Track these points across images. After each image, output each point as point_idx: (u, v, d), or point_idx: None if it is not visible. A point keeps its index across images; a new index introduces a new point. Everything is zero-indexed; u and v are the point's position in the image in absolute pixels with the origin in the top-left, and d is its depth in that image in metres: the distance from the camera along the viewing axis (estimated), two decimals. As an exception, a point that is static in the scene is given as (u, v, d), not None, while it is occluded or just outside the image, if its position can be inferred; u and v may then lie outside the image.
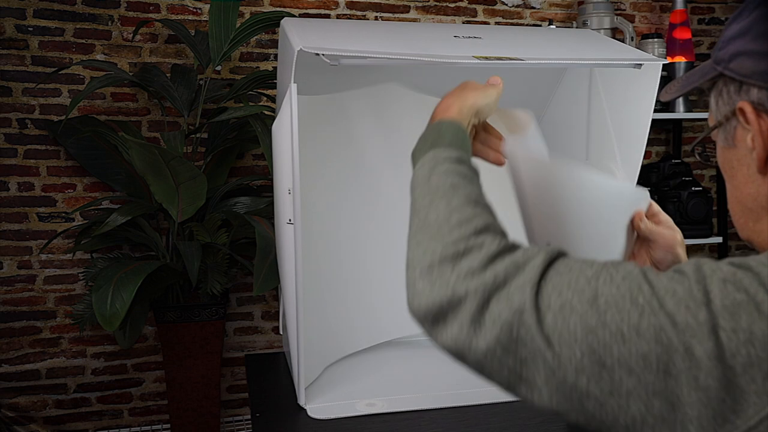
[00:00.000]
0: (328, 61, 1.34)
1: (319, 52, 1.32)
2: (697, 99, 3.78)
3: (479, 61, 1.39)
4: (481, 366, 0.73)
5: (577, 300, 0.67)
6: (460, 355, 0.74)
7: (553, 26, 3.46)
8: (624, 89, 1.80)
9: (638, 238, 1.04)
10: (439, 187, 0.83)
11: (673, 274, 0.67)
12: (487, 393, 1.58)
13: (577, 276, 0.69)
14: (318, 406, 1.48)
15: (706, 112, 3.23)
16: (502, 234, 0.80)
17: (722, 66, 0.76)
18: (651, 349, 0.63)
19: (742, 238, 0.82)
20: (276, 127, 1.46)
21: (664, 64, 3.38)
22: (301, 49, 1.31)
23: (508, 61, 1.42)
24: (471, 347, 0.72)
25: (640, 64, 1.60)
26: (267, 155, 2.45)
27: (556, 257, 0.73)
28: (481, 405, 1.54)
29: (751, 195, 0.77)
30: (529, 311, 0.68)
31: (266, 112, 2.71)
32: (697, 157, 1.03)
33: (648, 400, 0.63)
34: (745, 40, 0.74)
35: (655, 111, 3.34)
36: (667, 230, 1.01)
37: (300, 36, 1.40)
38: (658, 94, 1.62)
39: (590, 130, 1.89)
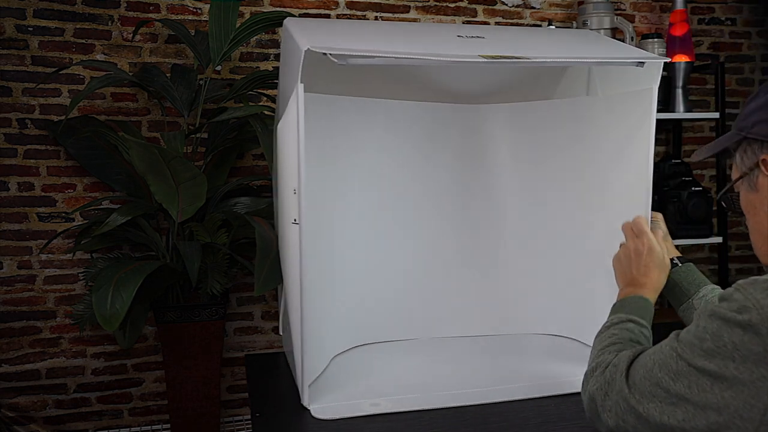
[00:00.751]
0: (336, 60, 1.34)
1: (326, 52, 1.31)
2: (697, 99, 3.79)
3: (486, 60, 1.38)
4: None
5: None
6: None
7: (553, 26, 3.46)
8: (623, 89, 1.80)
9: None
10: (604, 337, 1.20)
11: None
12: (488, 393, 1.58)
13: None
14: (322, 406, 1.48)
15: (705, 112, 3.23)
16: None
17: (746, 131, 1.02)
18: None
19: (764, 264, 1.08)
20: (281, 126, 1.46)
21: (664, 64, 3.39)
22: (308, 48, 1.30)
23: (514, 60, 1.42)
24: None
25: (642, 63, 1.60)
26: (267, 155, 2.45)
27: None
28: (481, 405, 1.54)
29: None
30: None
31: (266, 112, 2.71)
32: (724, 204, 1.14)
33: None
34: (763, 113, 1.00)
35: (656, 111, 3.36)
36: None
37: (305, 36, 1.39)
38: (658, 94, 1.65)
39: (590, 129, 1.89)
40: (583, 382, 1.13)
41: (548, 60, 1.50)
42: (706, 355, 0.88)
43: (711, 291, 1.43)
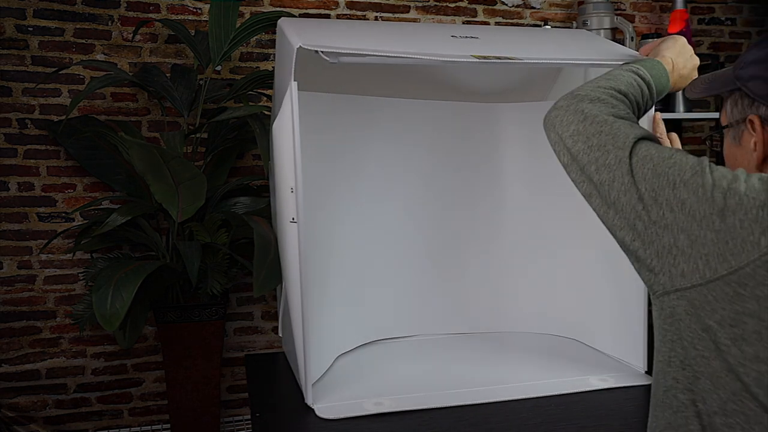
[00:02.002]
0: (327, 58, 1.34)
1: (318, 50, 1.32)
2: (697, 99, 3.78)
3: (478, 60, 1.39)
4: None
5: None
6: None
7: (548, 26, 3.46)
8: None
9: None
10: (615, 75, 1.18)
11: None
12: (488, 393, 1.58)
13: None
14: (326, 405, 1.48)
15: (705, 112, 3.23)
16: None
17: (741, 82, 0.99)
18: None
19: None
20: (276, 126, 1.46)
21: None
22: (300, 46, 1.31)
23: (505, 61, 1.42)
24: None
25: None
26: (263, 156, 2.45)
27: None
28: (481, 405, 1.54)
29: None
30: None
31: (265, 112, 2.71)
32: (707, 144, 1.17)
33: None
34: (761, 68, 0.96)
35: (656, 111, 3.35)
36: None
37: (298, 34, 1.39)
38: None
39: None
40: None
41: (540, 61, 1.50)
42: (654, 176, 0.91)
43: None
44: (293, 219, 1.41)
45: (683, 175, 0.91)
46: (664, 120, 3.54)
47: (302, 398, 1.52)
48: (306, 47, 1.31)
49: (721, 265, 0.83)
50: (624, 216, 0.94)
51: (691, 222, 0.86)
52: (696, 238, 0.85)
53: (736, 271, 0.82)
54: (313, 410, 1.47)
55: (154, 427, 3.16)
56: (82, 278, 3.02)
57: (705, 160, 0.94)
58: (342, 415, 1.44)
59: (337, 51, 1.35)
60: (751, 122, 0.97)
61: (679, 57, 1.32)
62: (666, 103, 3.41)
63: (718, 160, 1.15)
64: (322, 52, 1.32)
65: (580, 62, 1.61)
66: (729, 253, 0.82)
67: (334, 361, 1.76)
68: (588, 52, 1.69)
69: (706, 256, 0.84)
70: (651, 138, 1.00)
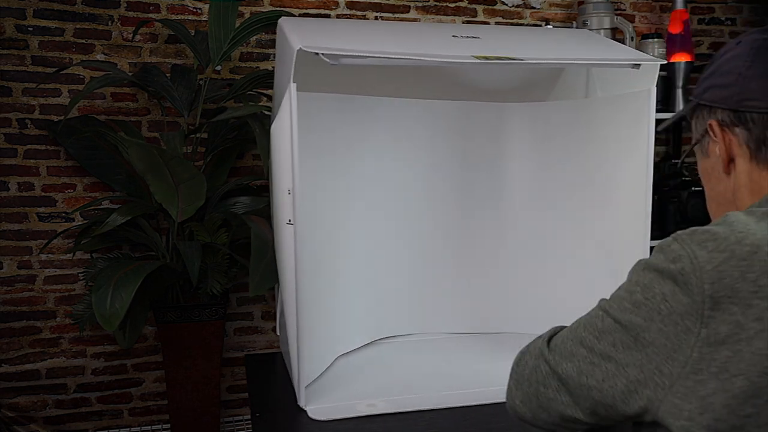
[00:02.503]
0: (328, 60, 1.34)
1: (318, 52, 1.32)
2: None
3: (479, 61, 1.39)
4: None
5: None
6: None
7: (550, 26, 3.46)
8: (622, 89, 1.80)
9: None
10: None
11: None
12: (487, 393, 1.58)
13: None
14: (318, 407, 1.48)
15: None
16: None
17: (698, 98, 1.03)
18: None
19: None
20: (275, 127, 1.46)
21: (664, 64, 3.39)
22: (300, 48, 1.31)
23: (507, 61, 1.42)
24: None
25: (638, 65, 1.60)
26: (263, 156, 2.45)
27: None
28: (481, 405, 1.54)
29: (721, 192, 1.03)
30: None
31: (265, 112, 2.71)
32: (686, 173, 1.15)
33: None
34: (712, 78, 1.01)
35: (656, 111, 3.35)
36: None
37: (299, 35, 1.39)
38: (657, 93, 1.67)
39: (589, 129, 1.90)
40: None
41: (541, 61, 1.50)
42: (633, 308, 0.87)
43: None
44: (290, 221, 1.41)
45: None
46: (664, 120, 3.55)
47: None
48: (307, 49, 1.31)
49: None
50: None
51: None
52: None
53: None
54: (306, 411, 1.47)
55: (154, 427, 3.16)
56: (82, 278, 3.02)
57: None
58: (334, 417, 1.44)
59: (338, 53, 1.35)
60: (711, 127, 1.00)
61: None
62: (666, 103, 3.42)
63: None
64: (323, 54, 1.32)
65: (583, 62, 1.61)
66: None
67: (331, 364, 1.76)
68: (590, 51, 1.69)
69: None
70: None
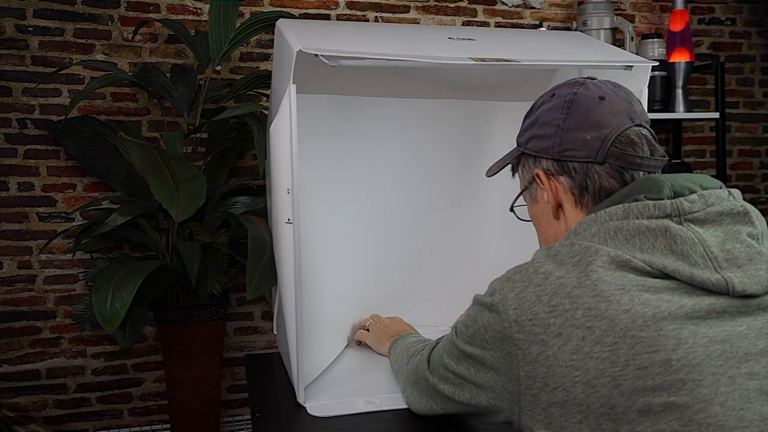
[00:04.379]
0: (327, 61, 1.35)
1: (317, 53, 1.32)
2: (697, 99, 3.79)
3: (476, 62, 1.40)
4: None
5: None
6: None
7: (544, 28, 3.46)
8: None
9: None
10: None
11: None
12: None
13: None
14: (317, 403, 1.48)
15: (705, 112, 3.24)
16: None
17: (522, 147, 1.12)
18: None
19: None
20: (274, 127, 1.47)
21: (664, 64, 3.39)
22: (300, 50, 1.31)
23: (503, 63, 1.43)
24: None
25: (630, 66, 1.61)
26: (260, 156, 2.45)
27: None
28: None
29: (552, 235, 1.12)
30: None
31: (264, 112, 2.71)
32: (516, 215, 1.17)
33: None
34: (533, 129, 1.09)
35: (656, 111, 3.36)
36: None
37: (298, 37, 1.40)
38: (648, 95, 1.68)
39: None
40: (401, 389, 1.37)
41: (535, 62, 1.51)
42: (470, 339, 1.00)
43: None
44: (289, 220, 1.42)
45: None
46: (664, 120, 3.56)
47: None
48: (306, 51, 1.32)
49: None
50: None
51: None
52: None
53: None
54: (305, 408, 1.47)
55: (154, 427, 3.17)
56: (82, 278, 3.03)
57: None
58: (333, 413, 1.45)
59: (337, 54, 1.36)
60: (538, 176, 1.08)
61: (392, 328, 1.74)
62: (666, 103, 3.42)
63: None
64: (322, 55, 1.33)
65: (575, 64, 1.63)
66: None
67: (328, 361, 1.76)
68: (582, 53, 1.70)
69: None
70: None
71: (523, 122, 1.15)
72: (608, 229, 0.94)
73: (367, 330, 1.79)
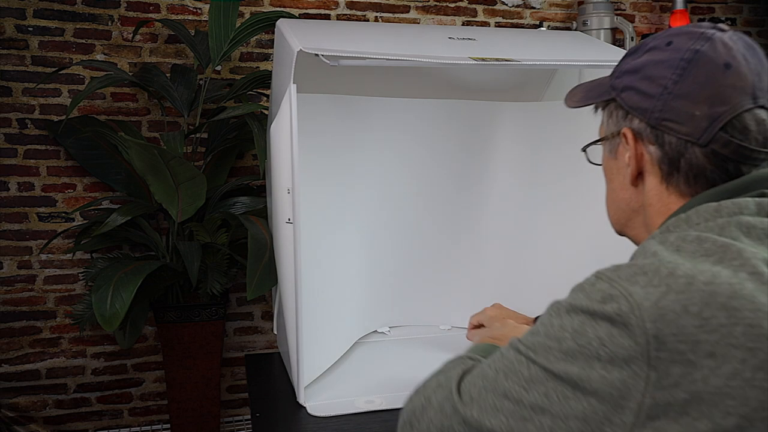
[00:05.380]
0: (328, 61, 1.35)
1: (318, 53, 1.33)
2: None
3: (476, 62, 1.40)
4: None
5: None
6: None
7: (544, 28, 3.46)
8: None
9: None
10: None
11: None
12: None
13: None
14: (317, 403, 1.49)
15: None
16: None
17: (615, 93, 0.94)
18: None
19: (616, 231, 1.03)
20: (274, 127, 1.47)
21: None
22: (301, 49, 1.31)
23: (503, 63, 1.44)
24: None
25: None
26: (260, 156, 2.45)
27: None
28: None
29: (624, 200, 0.97)
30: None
31: (264, 112, 2.71)
32: (587, 155, 1.07)
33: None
34: (635, 78, 0.91)
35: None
36: None
37: (298, 37, 1.40)
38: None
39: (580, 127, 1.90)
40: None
41: (535, 62, 1.51)
42: (566, 357, 0.77)
43: None
44: (289, 219, 1.42)
45: None
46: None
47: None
48: (307, 51, 1.32)
49: None
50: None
51: None
52: None
53: None
54: (305, 408, 1.48)
55: (154, 427, 3.17)
56: (82, 278, 3.03)
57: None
58: (333, 413, 1.45)
59: (338, 54, 1.36)
60: (625, 136, 0.92)
61: (498, 332, 1.44)
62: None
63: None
64: (322, 55, 1.33)
65: (575, 63, 1.63)
66: None
67: (329, 359, 1.76)
68: (582, 53, 1.71)
69: None
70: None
71: (624, 60, 0.96)
72: (740, 224, 0.80)
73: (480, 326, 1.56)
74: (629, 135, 0.91)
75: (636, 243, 0.97)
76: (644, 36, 3.43)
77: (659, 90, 0.87)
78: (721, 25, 0.90)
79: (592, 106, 1.03)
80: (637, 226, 0.97)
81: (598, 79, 1.02)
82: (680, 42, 0.88)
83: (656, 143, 0.88)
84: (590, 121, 1.85)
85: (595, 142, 1.02)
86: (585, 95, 1.04)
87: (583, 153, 1.07)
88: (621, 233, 1.02)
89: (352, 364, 1.76)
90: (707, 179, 0.87)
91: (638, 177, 0.93)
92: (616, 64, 1.00)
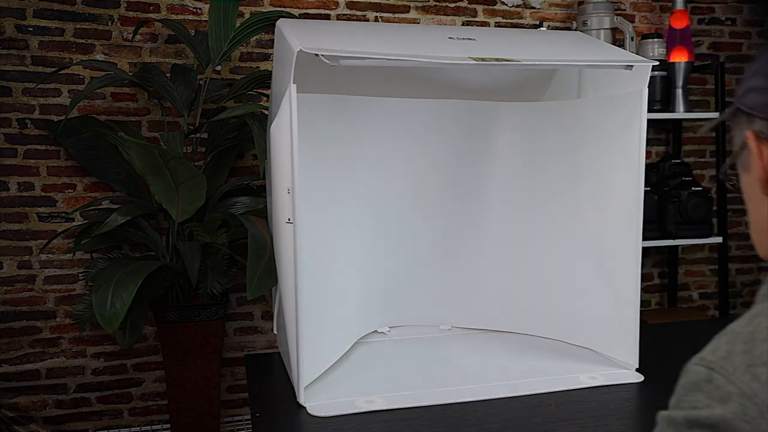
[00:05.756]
0: (328, 61, 1.35)
1: (318, 53, 1.33)
2: (697, 99, 3.78)
3: (476, 62, 1.40)
4: None
5: None
6: None
7: (544, 28, 3.46)
8: (614, 90, 1.81)
9: None
10: None
11: None
12: (486, 390, 1.58)
13: None
14: (317, 403, 1.49)
15: (705, 112, 3.24)
16: None
17: (738, 101, 0.85)
18: None
19: (763, 258, 0.88)
20: (275, 127, 1.47)
21: (664, 64, 3.38)
22: (301, 49, 1.31)
23: (503, 62, 1.43)
24: None
25: (631, 66, 1.61)
26: (260, 156, 2.45)
27: None
28: (480, 401, 1.55)
29: (763, 216, 0.85)
30: None
31: (264, 112, 2.71)
32: (727, 183, 0.95)
33: None
34: (755, 79, 0.83)
35: (655, 111, 3.36)
36: None
37: (298, 37, 1.40)
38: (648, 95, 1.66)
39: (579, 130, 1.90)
40: None
41: (537, 62, 1.51)
42: None
43: None
44: (289, 219, 1.42)
45: None
46: (664, 120, 3.56)
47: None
48: (307, 51, 1.32)
49: None
50: None
51: None
52: None
53: None
54: (305, 408, 1.48)
55: (154, 427, 3.17)
56: (82, 278, 3.03)
57: None
58: (333, 413, 1.45)
59: (338, 54, 1.36)
60: (750, 138, 0.84)
61: None
62: (666, 103, 3.42)
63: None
64: (322, 55, 1.33)
65: (575, 63, 1.63)
66: None
67: (329, 359, 1.77)
68: (583, 53, 1.70)
69: None
70: None
71: (745, 73, 0.89)
72: None
73: None
74: (751, 136, 0.83)
75: None
76: (644, 36, 3.43)
77: None
78: None
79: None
80: None
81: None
82: None
83: None
84: (590, 121, 1.86)
85: (730, 164, 0.91)
86: (717, 119, 1.01)
87: (723, 180, 0.98)
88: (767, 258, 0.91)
89: (352, 364, 1.76)
90: None
91: (767, 182, 0.83)
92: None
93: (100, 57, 3.03)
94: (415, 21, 3.38)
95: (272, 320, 3.30)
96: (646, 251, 3.23)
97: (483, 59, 1.40)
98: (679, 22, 3.36)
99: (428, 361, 1.83)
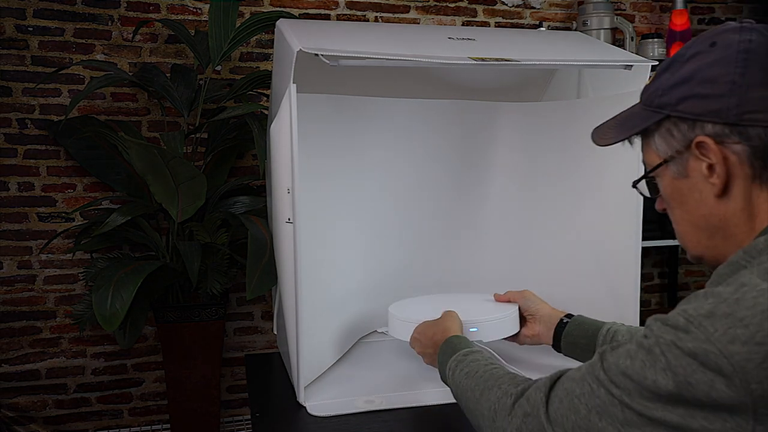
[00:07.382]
0: (327, 61, 1.35)
1: (318, 53, 1.33)
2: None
3: (475, 62, 1.40)
4: None
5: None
6: None
7: (544, 28, 3.46)
8: (613, 90, 1.81)
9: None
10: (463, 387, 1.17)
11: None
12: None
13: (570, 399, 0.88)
14: (317, 403, 1.49)
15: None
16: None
17: (670, 109, 0.89)
18: None
19: (692, 256, 0.97)
20: (275, 127, 1.47)
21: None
22: (300, 49, 1.32)
23: (502, 63, 1.44)
24: None
25: (630, 66, 1.61)
26: (260, 156, 2.45)
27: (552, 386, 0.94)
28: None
29: (704, 216, 0.90)
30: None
31: (264, 112, 2.71)
32: (643, 191, 0.99)
33: None
34: (688, 87, 0.87)
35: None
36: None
37: (298, 37, 1.40)
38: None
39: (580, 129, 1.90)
40: None
41: (536, 62, 1.51)
42: (667, 402, 0.76)
43: (614, 326, 1.39)
44: (289, 219, 1.42)
45: None
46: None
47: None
48: (306, 50, 1.32)
49: None
50: None
51: None
52: None
53: None
54: (305, 408, 1.48)
55: (154, 427, 3.17)
56: (82, 278, 3.03)
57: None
58: (332, 413, 1.45)
59: (338, 54, 1.36)
60: (701, 145, 0.86)
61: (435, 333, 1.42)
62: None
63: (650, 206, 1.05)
64: (322, 55, 1.33)
65: (575, 63, 1.63)
66: None
67: (329, 358, 1.76)
68: (582, 53, 1.70)
69: None
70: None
71: (659, 77, 0.94)
72: None
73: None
74: (708, 141, 0.86)
75: (716, 263, 0.92)
76: (644, 36, 3.43)
77: (726, 87, 0.85)
78: (745, 20, 0.91)
79: (620, 143, 0.99)
80: (719, 244, 0.92)
81: (626, 111, 1.01)
82: (725, 39, 0.88)
83: (741, 140, 0.84)
84: (590, 122, 1.85)
85: (652, 170, 0.96)
86: (621, 127, 1.00)
87: (637, 188, 1.02)
88: (699, 257, 0.97)
89: (352, 364, 1.76)
90: None
91: (725, 188, 0.87)
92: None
93: (100, 57, 3.03)
94: (415, 21, 3.38)
95: (272, 320, 3.31)
96: (646, 251, 3.23)
97: (483, 59, 1.40)
98: (679, 22, 3.36)
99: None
